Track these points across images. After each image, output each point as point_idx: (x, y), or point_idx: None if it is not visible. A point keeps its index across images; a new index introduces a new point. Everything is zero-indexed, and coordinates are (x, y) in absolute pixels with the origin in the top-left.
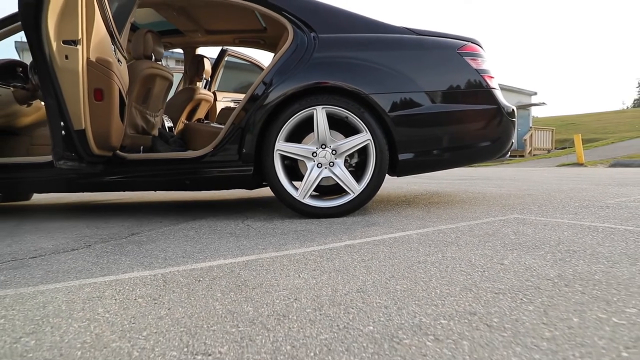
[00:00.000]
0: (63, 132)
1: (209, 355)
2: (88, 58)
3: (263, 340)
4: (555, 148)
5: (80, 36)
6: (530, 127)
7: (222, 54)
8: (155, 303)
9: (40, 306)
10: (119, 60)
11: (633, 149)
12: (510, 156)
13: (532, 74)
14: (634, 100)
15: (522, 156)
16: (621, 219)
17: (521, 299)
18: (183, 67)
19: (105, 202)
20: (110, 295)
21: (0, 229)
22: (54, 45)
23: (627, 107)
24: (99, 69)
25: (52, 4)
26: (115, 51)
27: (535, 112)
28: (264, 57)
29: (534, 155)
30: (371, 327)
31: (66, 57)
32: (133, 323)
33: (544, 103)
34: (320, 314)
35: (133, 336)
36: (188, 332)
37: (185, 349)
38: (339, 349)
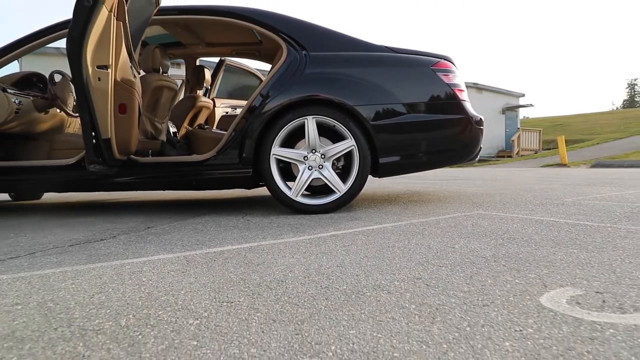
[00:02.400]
0: (94, 140)
1: (231, 302)
2: (115, 79)
3: (268, 294)
4: (542, 149)
5: (110, 62)
6: (518, 128)
7: (220, 64)
8: (184, 274)
9: (97, 277)
10: (134, 76)
11: (616, 149)
12: (498, 157)
13: (525, 76)
14: (624, 101)
15: (510, 156)
16: (567, 214)
17: (457, 270)
18: (176, 71)
19: (112, 202)
20: (148, 270)
21: (29, 223)
22: (90, 70)
23: (617, 108)
24: (123, 87)
25: (91, 38)
26: (131, 68)
27: (527, 113)
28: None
29: (521, 155)
30: (345, 287)
31: (99, 79)
32: (172, 286)
33: (531, 104)
34: (309, 280)
35: (174, 293)
36: (213, 290)
37: (214, 300)
38: (321, 298)
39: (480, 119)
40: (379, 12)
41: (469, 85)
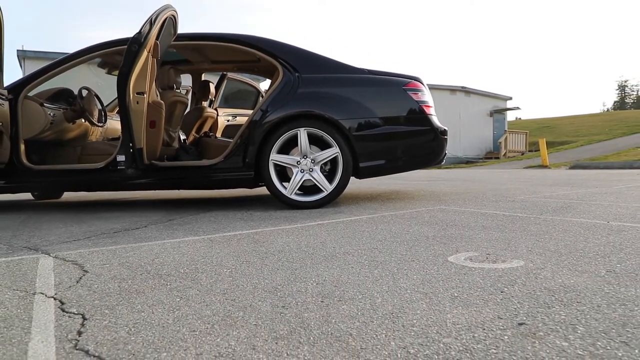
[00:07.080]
0: (131, 150)
1: (249, 261)
2: (148, 101)
3: (272, 257)
4: (529, 150)
5: (146, 89)
6: (505, 131)
7: (222, 78)
8: (211, 248)
9: (149, 250)
10: (156, 95)
11: (597, 151)
12: (485, 158)
13: (517, 79)
14: (614, 103)
15: (498, 158)
16: (509, 209)
17: (404, 243)
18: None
19: (129, 200)
20: (184, 246)
21: (68, 218)
22: (132, 96)
23: (608, 110)
24: (154, 107)
25: (134, 72)
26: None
27: (519, 115)
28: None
29: (508, 157)
30: (324, 253)
31: (137, 103)
32: (205, 254)
33: (518, 107)
34: (300, 250)
35: (209, 257)
36: (234, 255)
37: (236, 260)
38: (307, 259)
39: (445, 129)
40: (376, 14)
41: (457, 89)
